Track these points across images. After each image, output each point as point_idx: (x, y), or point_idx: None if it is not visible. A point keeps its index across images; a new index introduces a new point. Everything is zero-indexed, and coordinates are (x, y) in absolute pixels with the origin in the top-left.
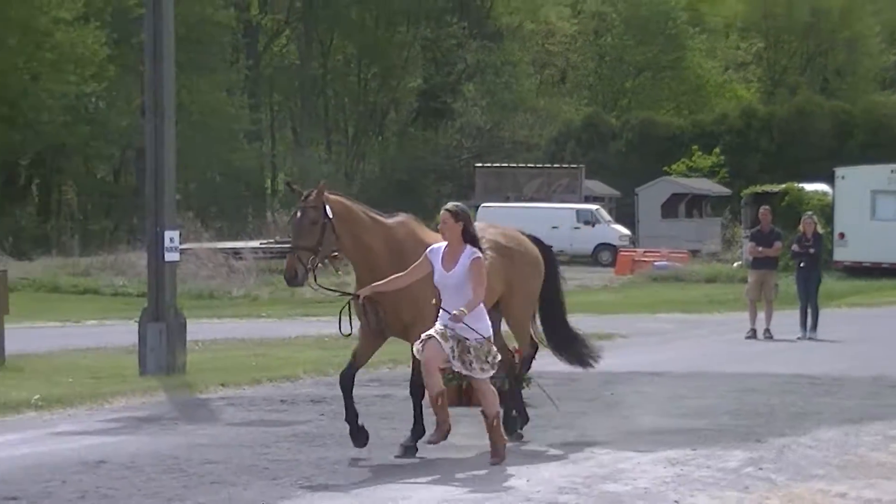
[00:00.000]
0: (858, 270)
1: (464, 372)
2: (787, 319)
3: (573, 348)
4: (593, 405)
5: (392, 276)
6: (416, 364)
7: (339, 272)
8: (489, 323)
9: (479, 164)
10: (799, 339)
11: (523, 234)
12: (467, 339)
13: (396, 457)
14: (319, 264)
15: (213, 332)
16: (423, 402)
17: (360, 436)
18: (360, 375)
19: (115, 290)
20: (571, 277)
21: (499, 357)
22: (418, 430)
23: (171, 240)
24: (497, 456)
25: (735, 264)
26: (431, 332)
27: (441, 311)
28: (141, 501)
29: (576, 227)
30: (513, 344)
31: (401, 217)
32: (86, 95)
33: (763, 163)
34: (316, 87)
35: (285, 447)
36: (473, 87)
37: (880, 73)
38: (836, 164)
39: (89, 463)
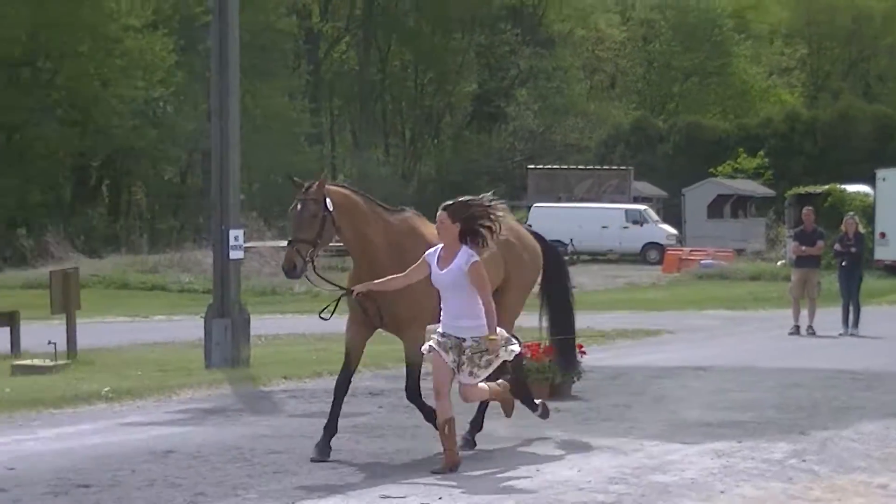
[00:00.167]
0: None
1: (459, 379)
2: (829, 316)
3: (568, 355)
4: (641, 399)
5: (389, 277)
6: (411, 370)
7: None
8: (485, 322)
9: (532, 166)
10: (841, 335)
11: (528, 229)
12: (464, 339)
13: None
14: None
15: (276, 328)
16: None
17: (325, 450)
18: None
19: (181, 287)
20: (620, 275)
21: (496, 360)
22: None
23: (236, 238)
24: (449, 461)
25: (779, 263)
26: (432, 343)
27: (443, 308)
28: (206, 490)
29: (625, 227)
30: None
31: (405, 212)
32: (154, 100)
33: (806, 165)
34: (374, 91)
35: (345, 438)
36: (526, 92)
37: None
38: (878, 166)
39: (157, 452)
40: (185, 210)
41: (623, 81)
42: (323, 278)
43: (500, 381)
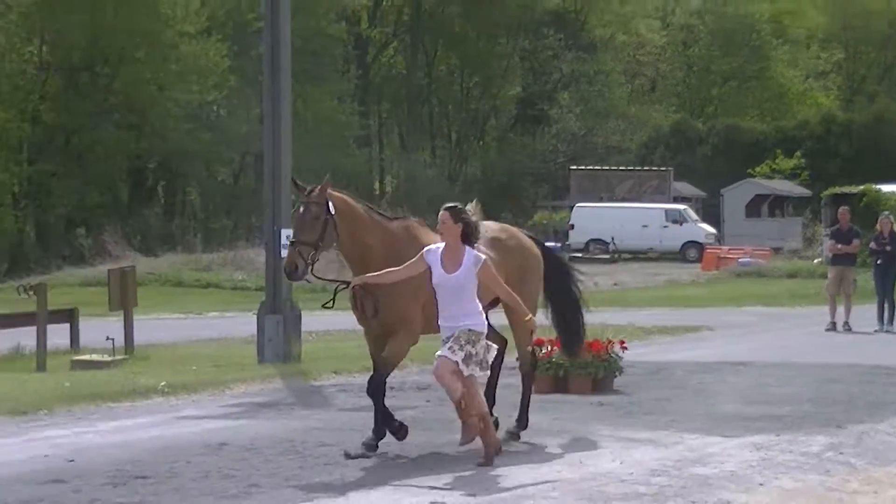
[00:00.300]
0: None
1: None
2: (865, 313)
3: (572, 350)
4: (682, 393)
5: (386, 270)
6: (383, 369)
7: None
8: (484, 320)
9: (574, 167)
10: (876, 331)
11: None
12: (457, 327)
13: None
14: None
15: (326, 324)
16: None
17: (401, 429)
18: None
19: (234, 285)
20: (660, 273)
21: (490, 356)
22: (378, 431)
23: (287, 237)
24: (487, 459)
25: (815, 261)
26: (443, 353)
27: (440, 309)
28: (260, 481)
29: (665, 226)
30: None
31: (407, 220)
32: (208, 104)
33: (842, 166)
34: (421, 95)
35: None
36: (568, 96)
37: None
38: None
39: (212, 445)
40: (237, 210)
41: (663, 85)
42: (319, 278)
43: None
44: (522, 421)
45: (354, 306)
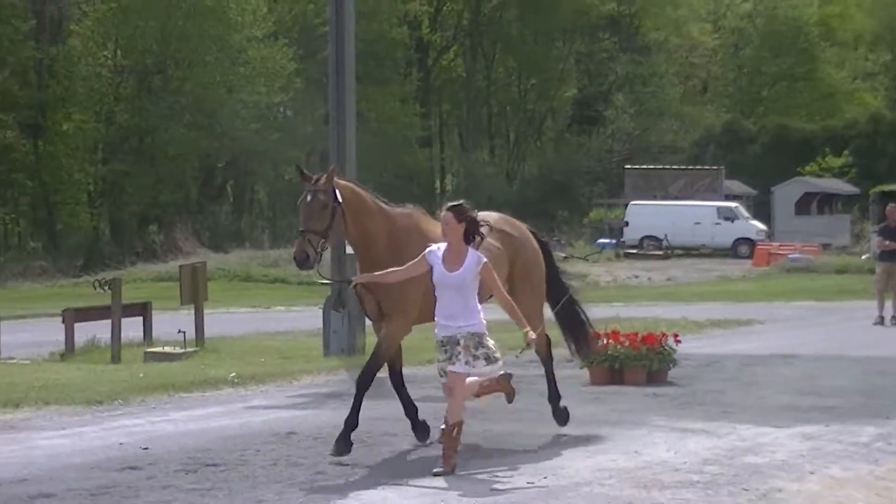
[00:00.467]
0: None
1: (448, 368)
2: None
3: (581, 343)
4: (734, 384)
5: (389, 270)
6: (376, 359)
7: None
8: (482, 319)
9: (629, 166)
10: None
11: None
12: (458, 330)
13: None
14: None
15: None
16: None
17: (421, 429)
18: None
19: (300, 280)
20: (712, 268)
21: (482, 361)
22: (351, 422)
23: None
24: (447, 465)
25: (863, 257)
26: (450, 368)
27: (438, 307)
28: (326, 469)
29: (716, 223)
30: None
31: (407, 208)
32: (275, 105)
33: (889, 164)
34: (480, 97)
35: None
36: (623, 97)
37: None
38: None
39: (280, 434)
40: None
41: (715, 86)
42: (322, 275)
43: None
44: (553, 396)
45: (361, 301)
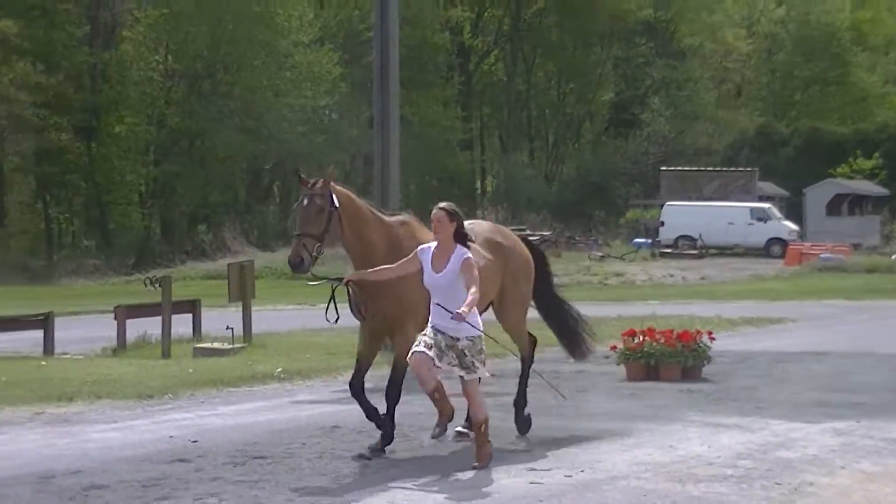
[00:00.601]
0: None
1: (458, 373)
2: None
3: (573, 344)
4: (766, 381)
5: (381, 267)
6: (398, 371)
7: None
8: (479, 320)
9: (665, 168)
10: None
11: (520, 236)
12: (458, 339)
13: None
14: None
15: None
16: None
17: (388, 427)
18: (559, 352)
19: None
20: (745, 268)
21: (484, 356)
22: (386, 435)
23: None
24: (482, 460)
25: (893, 257)
26: (419, 346)
27: (433, 306)
28: (368, 463)
29: (750, 224)
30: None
31: (402, 216)
32: (321, 109)
33: None
34: (520, 100)
35: (492, 415)
36: (659, 100)
37: None
38: None
39: (325, 428)
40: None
41: (748, 90)
42: (316, 276)
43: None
44: (520, 401)
45: (350, 302)
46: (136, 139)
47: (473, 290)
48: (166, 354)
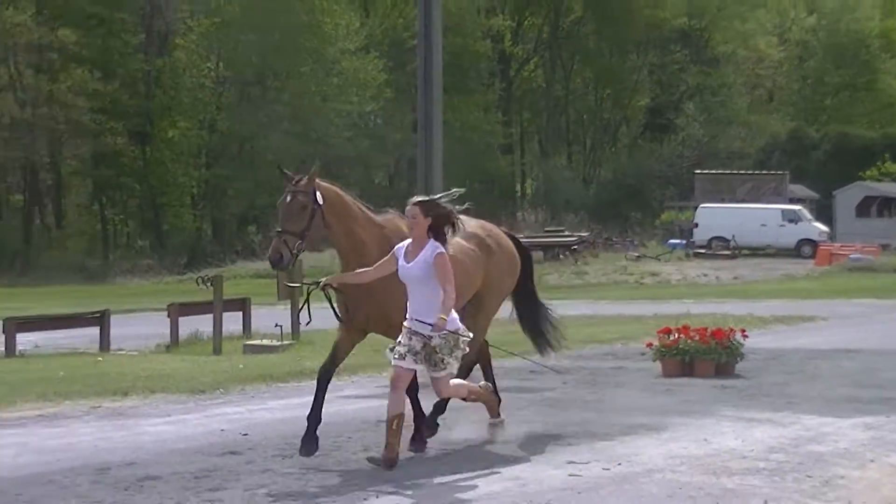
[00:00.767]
0: None
1: (431, 374)
2: None
3: (543, 333)
4: (798, 377)
5: (360, 270)
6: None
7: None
8: (456, 316)
9: (699, 171)
10: None
11: (506, 233)
12: (431, 338)
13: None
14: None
15: None
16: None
17: (311, 442)
18: (597, 349)
19: None
20: (777, 268)
21: (462, 351)
22: (432, 416)
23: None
24: (390, 453)
25: None
26: (398, 349)
27: (409, 305)
28: (415, 454)
29: (781, 225)
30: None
31: (389, 214)
32: (366, 114)
33: None
34: (559, 106)
35: (534, 410)
36: (693, 106)
37: None
38: None
39: (370, 422)
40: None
41: (780, 96)
42: (293, 279)
43: (482, 383)
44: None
45: (330, 303)
46: (188, 143)
47: (449, 289)
48: (217, 351)
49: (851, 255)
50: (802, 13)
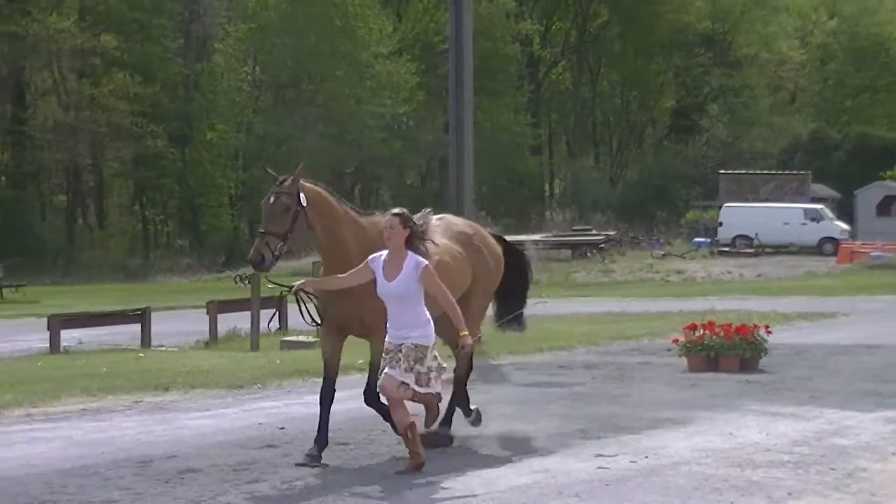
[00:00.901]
0: None
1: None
2: None
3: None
4: (820, 372)
5: (330, 276)
6: (375, 373)
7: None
8: (432, 329)
9: (723, 171)
10: None
11: (492, 234)
12: (401, 345)
13: (297, 464)
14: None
15: None
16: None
17: (316, 461)
18: (624, 345)
19: None
20: (799, 265)
21: (435, 370)
22: (320, 439)
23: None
24: (414, 460)
25: None
26: (387, 370)
27: (388, 320)
28: (447, 448)
29: (803, 224)
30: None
31: (374, 216)
32: (399, 116)
33: None
34: (586, 107)
35: (562, 404)
36: (717, 107)
37: None
38: None
39: None
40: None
41: (802, 97)
42: (275, 283)
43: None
44: (447, 423)
45: (301, 305)
46: (226, 145)
47: (450, 298)
48: (255, 347)
49: (872, 253)
50: (823, 17)
